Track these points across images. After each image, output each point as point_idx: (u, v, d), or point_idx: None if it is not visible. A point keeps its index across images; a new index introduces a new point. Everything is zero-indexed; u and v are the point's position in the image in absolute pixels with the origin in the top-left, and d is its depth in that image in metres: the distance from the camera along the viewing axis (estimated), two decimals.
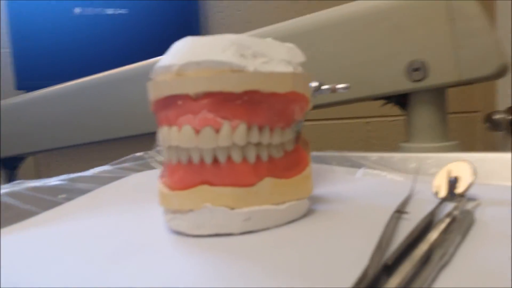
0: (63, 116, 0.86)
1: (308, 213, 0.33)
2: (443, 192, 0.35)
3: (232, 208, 0.29)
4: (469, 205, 0.32)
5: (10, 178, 1.01)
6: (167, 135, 0.30)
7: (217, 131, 0.28)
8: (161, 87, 0.30)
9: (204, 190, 0.29)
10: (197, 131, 0.28)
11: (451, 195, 0.34)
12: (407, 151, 0.57)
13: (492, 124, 0.83)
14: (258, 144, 0.30)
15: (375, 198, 0.36)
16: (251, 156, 0.29)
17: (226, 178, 0.29)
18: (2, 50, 1.28)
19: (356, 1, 0.60)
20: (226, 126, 0.28)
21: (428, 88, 0.57)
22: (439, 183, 0.36)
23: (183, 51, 0.30)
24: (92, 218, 0.35)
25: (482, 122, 0.88)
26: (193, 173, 0.29)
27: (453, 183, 0.35)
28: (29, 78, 1.22)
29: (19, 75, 1.20)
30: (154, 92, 0.30)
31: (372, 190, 0.39)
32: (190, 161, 0.29)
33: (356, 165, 0.47)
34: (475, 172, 0.35)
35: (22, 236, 0.31)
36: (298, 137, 0.35)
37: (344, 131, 1.20)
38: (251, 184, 0.29)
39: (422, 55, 0.57)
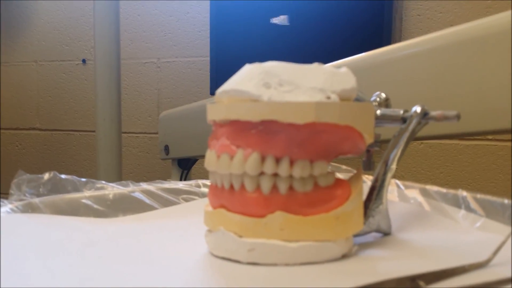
0: None
1: (346, 257, 0.30)
2: None
3: (240, 236, 0.29)
4: None
5: (181, 176, 1.16)
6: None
7: (232, 158, 0.29)
8: (208, 111, 0.32)
9: (221, 213, 0.30)
10: (218, 157, 0.30)
11: None
12: None
13: None
14: (275, 175, 0.29)
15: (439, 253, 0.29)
16: (265, 186, 0.29)
17: (237, 205, 0.29)
18: (200, 59, 1.50)
19: None
20: (239, 154, 0.29)
21: None
22: None
23: (231, 78, 0.32)
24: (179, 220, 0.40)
25: None
26: (216, 196, 0.31)
27: None
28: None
29: (214, 81, 1.37)
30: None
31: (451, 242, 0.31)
32: (216, 184, 0.31)
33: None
34: None
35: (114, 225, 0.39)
36: (358, 173, 0.32)
37: None
38: (260, 215, 0.28)
39: None
